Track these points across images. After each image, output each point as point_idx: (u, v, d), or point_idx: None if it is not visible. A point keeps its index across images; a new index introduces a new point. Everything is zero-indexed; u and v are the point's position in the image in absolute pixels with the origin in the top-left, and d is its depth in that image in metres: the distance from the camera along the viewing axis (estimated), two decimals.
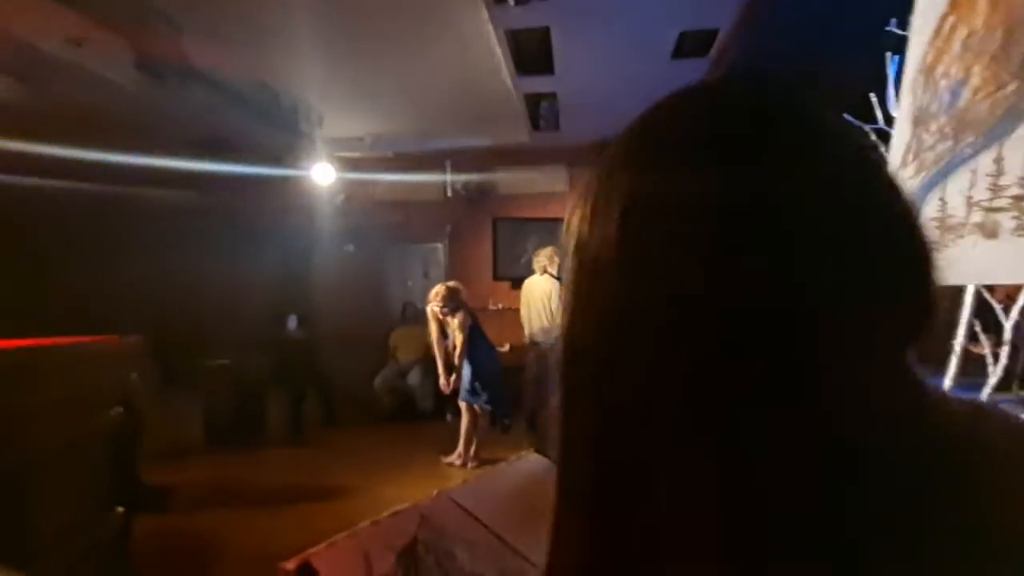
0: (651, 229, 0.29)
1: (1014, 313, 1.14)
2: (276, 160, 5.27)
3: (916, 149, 1.02)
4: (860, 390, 0.27)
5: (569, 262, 0.33)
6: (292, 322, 5.37)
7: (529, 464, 1.00)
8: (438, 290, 3.95)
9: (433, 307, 3.95)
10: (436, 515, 0.83)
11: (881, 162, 0.34)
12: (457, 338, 3.91)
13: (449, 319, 3.94)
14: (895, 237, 0.30)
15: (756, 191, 0.28)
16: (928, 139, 0.98)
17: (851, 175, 0.30)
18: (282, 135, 5.09)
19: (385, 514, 0.82)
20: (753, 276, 0.27)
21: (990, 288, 1.16)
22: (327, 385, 5.32)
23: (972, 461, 0.28)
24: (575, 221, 0.33)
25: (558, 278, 4.50)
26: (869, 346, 0.28)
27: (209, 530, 2.86)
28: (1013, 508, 0.27)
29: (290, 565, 0.70)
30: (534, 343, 4.53)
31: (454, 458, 3.96)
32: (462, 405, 3.98)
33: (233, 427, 4.56)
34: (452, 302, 3.92)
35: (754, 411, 0.27)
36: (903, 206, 0.31)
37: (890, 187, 0.31)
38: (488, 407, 3.96)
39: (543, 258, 4.50)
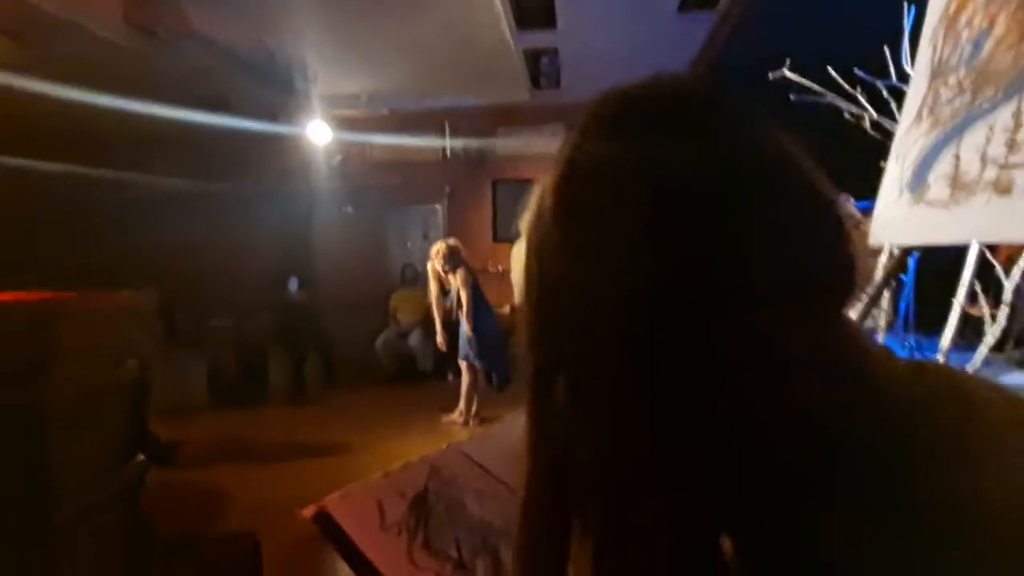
0: (585, 204, 0.31)
1: (1015, 274, 1.14)
2: (271, 118, 5.15)
3: (932, 104, 0.99)
4: (798, 352, 0.28)
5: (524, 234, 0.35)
6: (293, 284, 5.38)
7: None
8: (439, 247, 3.95)
9: (434, 264, 3.95)
10: (446, 466, 0.85)
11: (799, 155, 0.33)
12: (461, 294, 3.92)
13: (450, 276, 3.95)
14: (818, 212, 0.31)
15: (690, 169, 0.28)
16: (946, 93, 0.95)
17: (775, 157, 0.31)
18: (277, 92, 4.95)
19: (396, 466, 0.85)
20: (687, 251, 0.28)
21: (992, 248, 1.16)
22: (328, 346, 5.37)
23: (905, 419, 0.29)
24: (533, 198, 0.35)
25: None
26: (803, 312, 0.29)
27: (216, 484, 2.94)
28: (938, 471, 0.27)
29: (307, 512, 0.72)
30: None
31: (455, 416, 4.04)
32: (463, 364, 4.03)
33: (237, 386, 4.63)
34: (453, 259, 3.92)
35: (688, 381, 0.28)
36: (823, 188, 0.32)
37: (810, 171, 0.32)
38: (487, 369, 4.01)
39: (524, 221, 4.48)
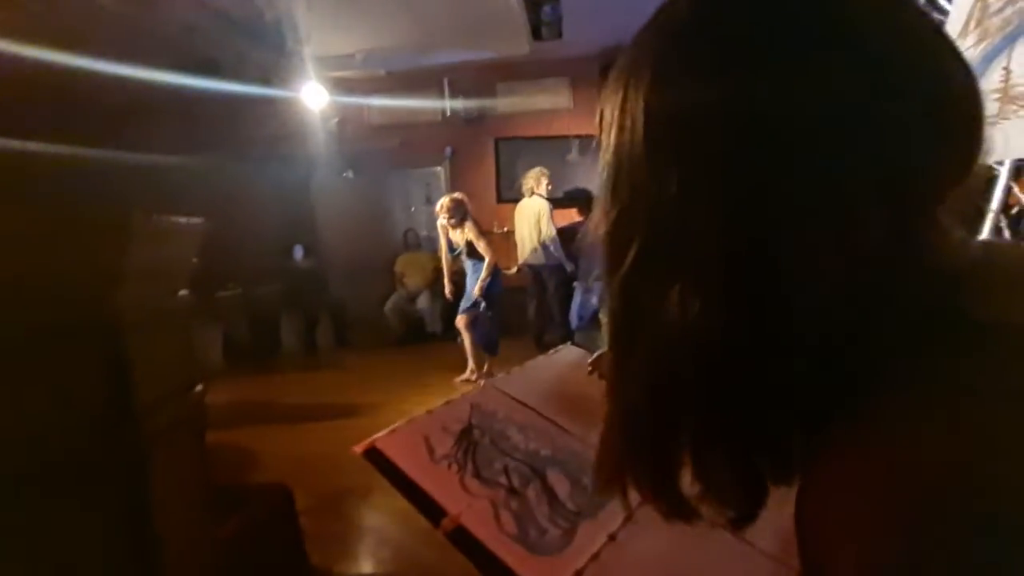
0: (673, 131, 0.31)
1: None
2: (264, 81, 5.01)
3: (980, 15, 0.95)
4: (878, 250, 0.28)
5: (602, 163, 0.35)
6: (299, 252, 5.38)
7: (568, 355, 1.04)
8: (443, 202, 3.92)
9: (441, 220, 3.94)
10: (486, 402, 0.88)
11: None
12: (479, 245, 3.87)
13: (459, 231, 3.93)
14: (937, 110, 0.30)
15: (775, 95, 0.28)
16: (995, 3, 0.91)
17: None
18: (268, 54, 4.81)
19: (438, 405, 0.87)
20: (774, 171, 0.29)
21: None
22: (339, 311, 5.42)
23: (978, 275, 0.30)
24: (605, 124, 0.35)
25: (549, 199, 4.45)
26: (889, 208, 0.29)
27: (242, 443, 3.03)
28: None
29: (358, 449, 0.74)
30: (528, 264, 4.56)
31: (468, 375, 4.10)
32: (460, 324, 4.03)
33: (250, 352, 4.70)
34: (458, 211, 3.89)
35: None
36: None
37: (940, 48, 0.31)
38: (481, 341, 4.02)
39: (530, 180, 4.44)
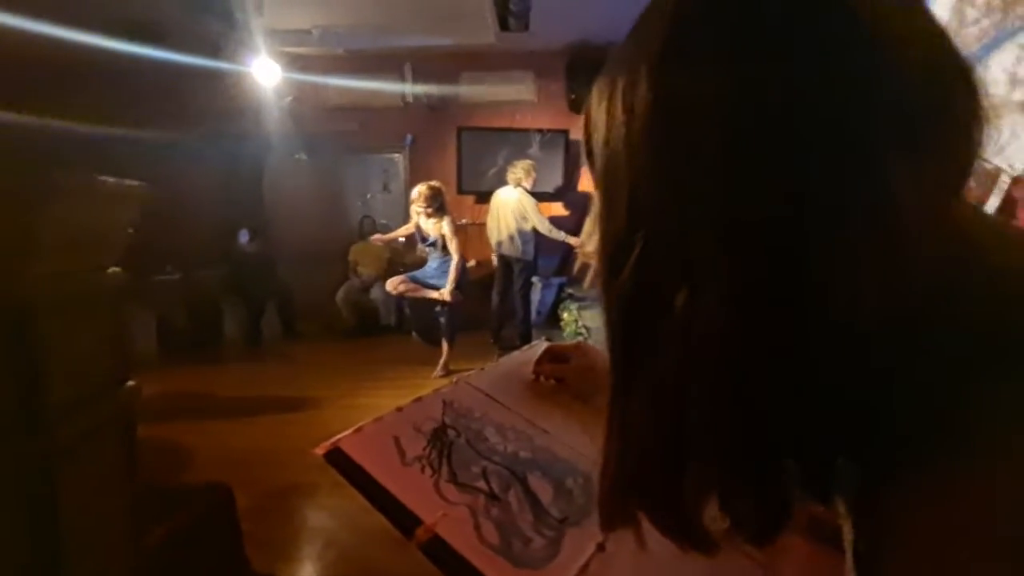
0: (677, 127, 0.28)
1: None
2: (211, 52, 4.68)
3: (956, 27, 0.98)
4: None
5: (599, 159, 0.33)
6: (244, 236, 5.08)
7: (541, 351, 0.99)
8: (420, 190, 3.78)
9: (416, 208, 3.79)
10: (459, 400, 0.81)
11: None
12: (450, 245, 3.79)
13: (435, 222, 3.80)
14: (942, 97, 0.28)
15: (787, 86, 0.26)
16: (972, 13, 0.93)
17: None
18: (214, 22, 4.48)
19: (407, 402, 0.80)
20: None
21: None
22: (286, 299, 5.16)
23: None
24: (600, 117, 0.33)
25: (532, 193, 4.43)
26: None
27: (176, 439, 2.82)
28: None
29: (319, 451, 0.66)
30: (501, 256, 4.52)
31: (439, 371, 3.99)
32: (390, 286, 3.96)
33: (188, 341, 4.40)
34: (435, 202, 3.76)
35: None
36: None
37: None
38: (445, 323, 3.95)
39: (519, 171, 4.40)
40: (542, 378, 0.87)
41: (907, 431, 0.26)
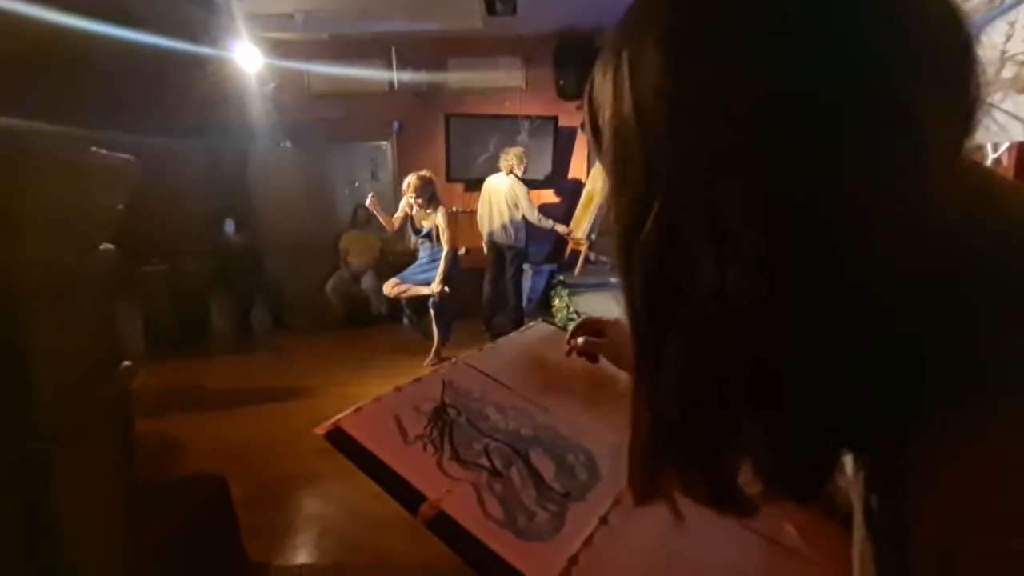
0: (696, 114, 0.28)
1: None
2: (190, 37, 4.56)
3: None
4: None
5: (607, 133, 0.32)
6: (229, 226, 5.00)
7: (539, 331, 0.99)
8: (411, 180, 3.74)
9: (408, 198, 3.75)
10: (459, 380, 0.81)
11: None
12: (443, 235, 3.76)
13: (427, 212, 3.77)
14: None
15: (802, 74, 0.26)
16: None
17: None
18: (193, 7, 4.37)
19: (407, 382, 0.80)
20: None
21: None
22: (276, 290, 5.11)
23: None
24: (606, 92, 0.32)
25: (523, 180, 4.40)
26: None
27: (169, 432, 2.79)
28: None
29: (320, 430, 0.66)
30: (493, 244, 4.50)
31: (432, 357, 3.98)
32: (387, 289, 3.96)
33: (176, 336, 4.34)
34: (427, 191, 3.73)
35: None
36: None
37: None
38: (436, 318, 3.93)
39: (512, 157, 4.38)
40: (554, 356, 0.86)
41: (934, 383, 0.26)
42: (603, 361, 0.82)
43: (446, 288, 3.81)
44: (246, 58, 4.75)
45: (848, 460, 0.34)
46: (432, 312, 3.91)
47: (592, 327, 0.84)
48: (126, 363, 0.99)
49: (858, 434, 0.29)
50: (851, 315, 0.26)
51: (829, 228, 0.25)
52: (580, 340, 0.83)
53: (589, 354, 0.83)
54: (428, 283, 3.84)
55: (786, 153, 0.26)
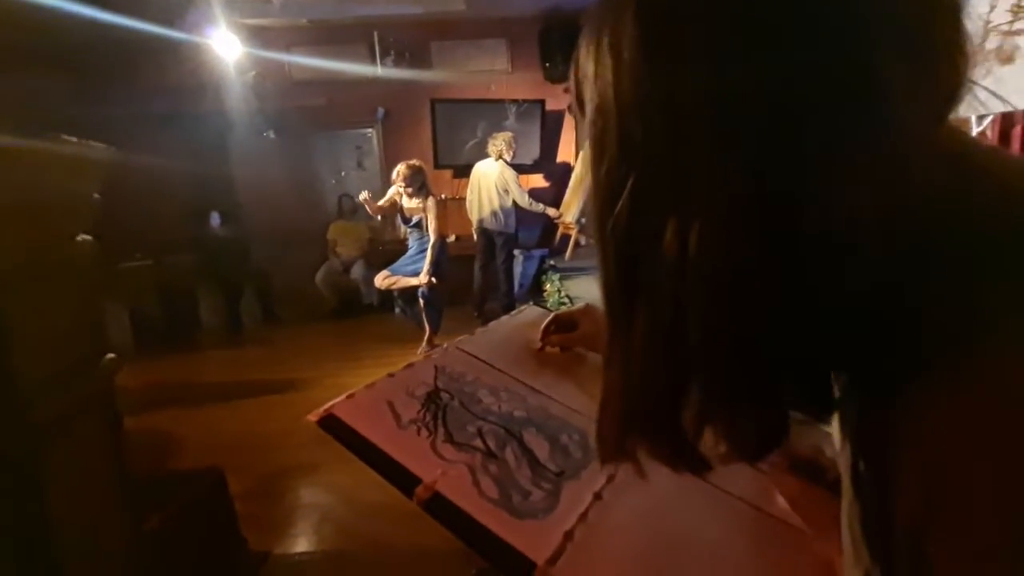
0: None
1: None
2: (165, 23, 4.44)
3: None
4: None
5: (589, 104, 0.32)
6: (215, 219, 4.94)
7: (530, 315, 0.99)
8: (400, 169, 3.70)
9: (398, 187, 3.72)
10: (451, 364, 0.81)
11: None
12: (431, 224, 3.73)
13: (417, 201, 3.74)
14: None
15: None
16: None
17: None
18: None
19: (399, 369, 0.80)
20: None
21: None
22: (264, 283, 5.07)
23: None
24: (588, 64, 0.32)
25: (511, 165, 4.37)
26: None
27: (162, 430, 2.78)
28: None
29: (313, 417, 0.66)
30: (483, 230, 4.49)
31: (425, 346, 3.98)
32: (378, 281, 3.97)
33: (164, 331, 4.30)
34: (417, 179, 3.69)
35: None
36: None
37: None
38: (426, 308, 3.92)
39: (500, 143, 4.34)
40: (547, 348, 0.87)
41: (914, 339, 0.26)
42: None
43: (434, 279, 3.79)
44: (224, 46, 4.65)
45: (835, 427, 0.35)
46: (421, 302, 3.90)
47: (563, 322, 0.86)
48: (110, 355, 0.97)
49: (824, 392, 0.30)
50: (816, 273, 0.26)
51: (791, 185, 0.26)
52: (553, 337, 0.85)
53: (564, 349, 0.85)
54: (417, 274, 3.82)
55: (748, 112, 0.26)
